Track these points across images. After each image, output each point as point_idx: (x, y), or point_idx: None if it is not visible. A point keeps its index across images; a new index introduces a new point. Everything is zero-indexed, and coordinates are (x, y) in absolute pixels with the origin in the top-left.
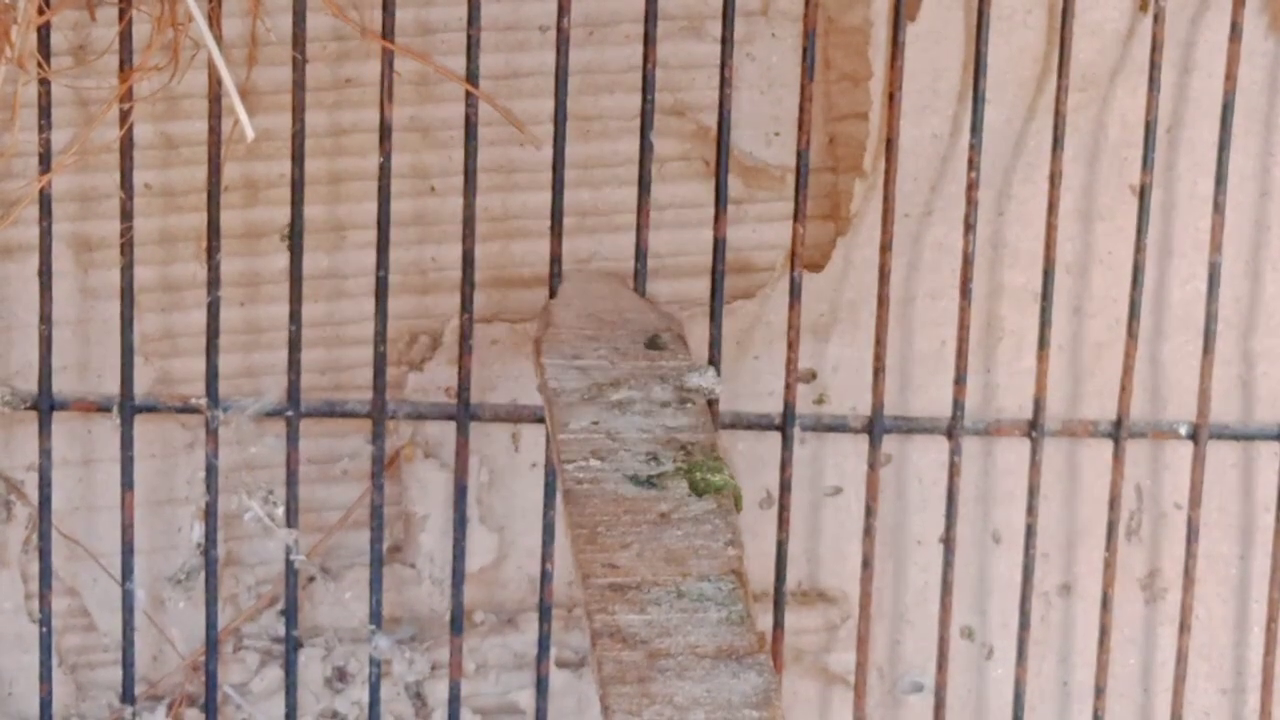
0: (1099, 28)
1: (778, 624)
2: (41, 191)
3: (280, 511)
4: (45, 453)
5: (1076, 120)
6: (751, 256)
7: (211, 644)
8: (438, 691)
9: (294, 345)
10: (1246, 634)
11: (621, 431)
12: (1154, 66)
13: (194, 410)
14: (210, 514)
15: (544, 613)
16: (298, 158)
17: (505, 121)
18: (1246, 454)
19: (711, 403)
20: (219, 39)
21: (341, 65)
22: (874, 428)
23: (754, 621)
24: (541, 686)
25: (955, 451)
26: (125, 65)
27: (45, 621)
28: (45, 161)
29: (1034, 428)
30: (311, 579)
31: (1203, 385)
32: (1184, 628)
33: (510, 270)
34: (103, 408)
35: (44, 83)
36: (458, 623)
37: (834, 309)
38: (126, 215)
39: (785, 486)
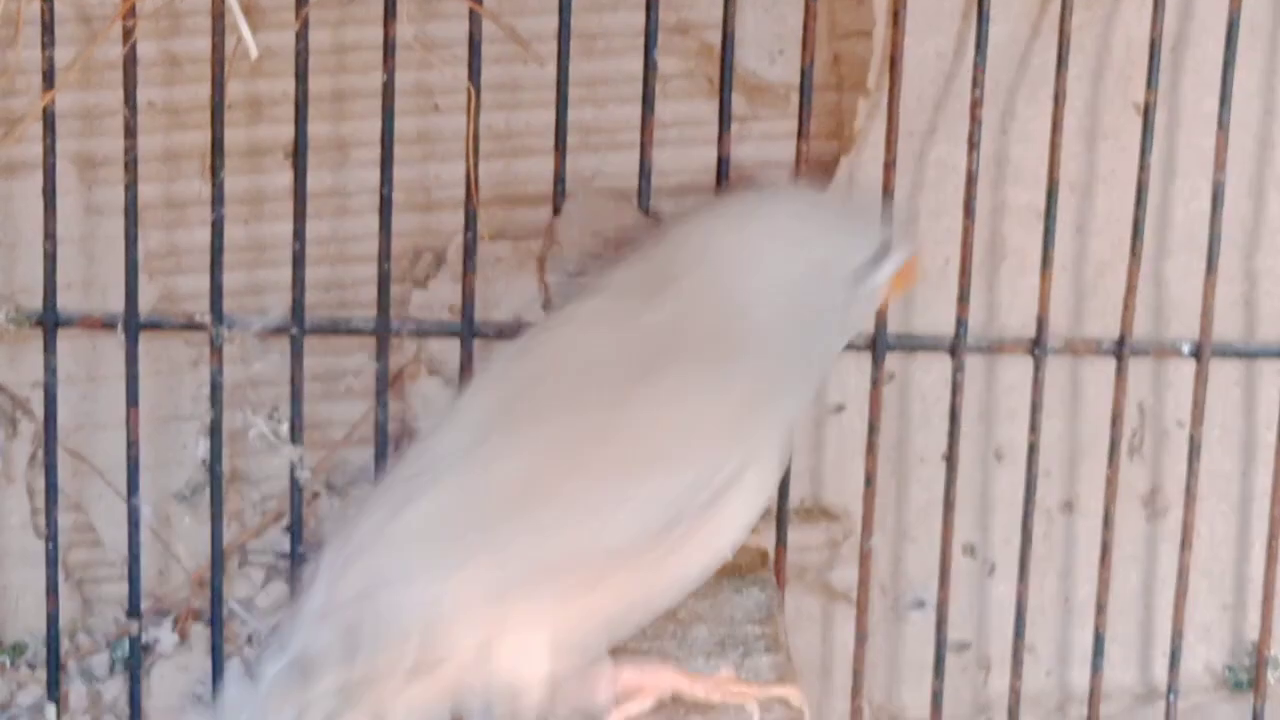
0: None
1: (780, 541)
2: (45, 109)
3: (285, 428)
4: (50, 369)
5: (1081, 38)
6: (755, 174)
7: (217, 559)
8: None
9: (298, 262)
10: (1248, 550)
11: None
12: None
13: (199, 327)
14: (215, 431)
15: None
16: (301, 75)
17: (509, 39)
18: (1249, 372)
19: None
20: None
21: None
22: (877, 345)
23: (757, 538)
24: None
25: (958, 369)
26: None
27: (51, 537)
28: (48, 79)
29: (1037, 345)
30: (316, 495)
31: (1206, 303)
32: (1185, 544)
33: (514, 188)
34: (107, 324)
35: None
36: None
37: None
38: (130, 133)
39: None
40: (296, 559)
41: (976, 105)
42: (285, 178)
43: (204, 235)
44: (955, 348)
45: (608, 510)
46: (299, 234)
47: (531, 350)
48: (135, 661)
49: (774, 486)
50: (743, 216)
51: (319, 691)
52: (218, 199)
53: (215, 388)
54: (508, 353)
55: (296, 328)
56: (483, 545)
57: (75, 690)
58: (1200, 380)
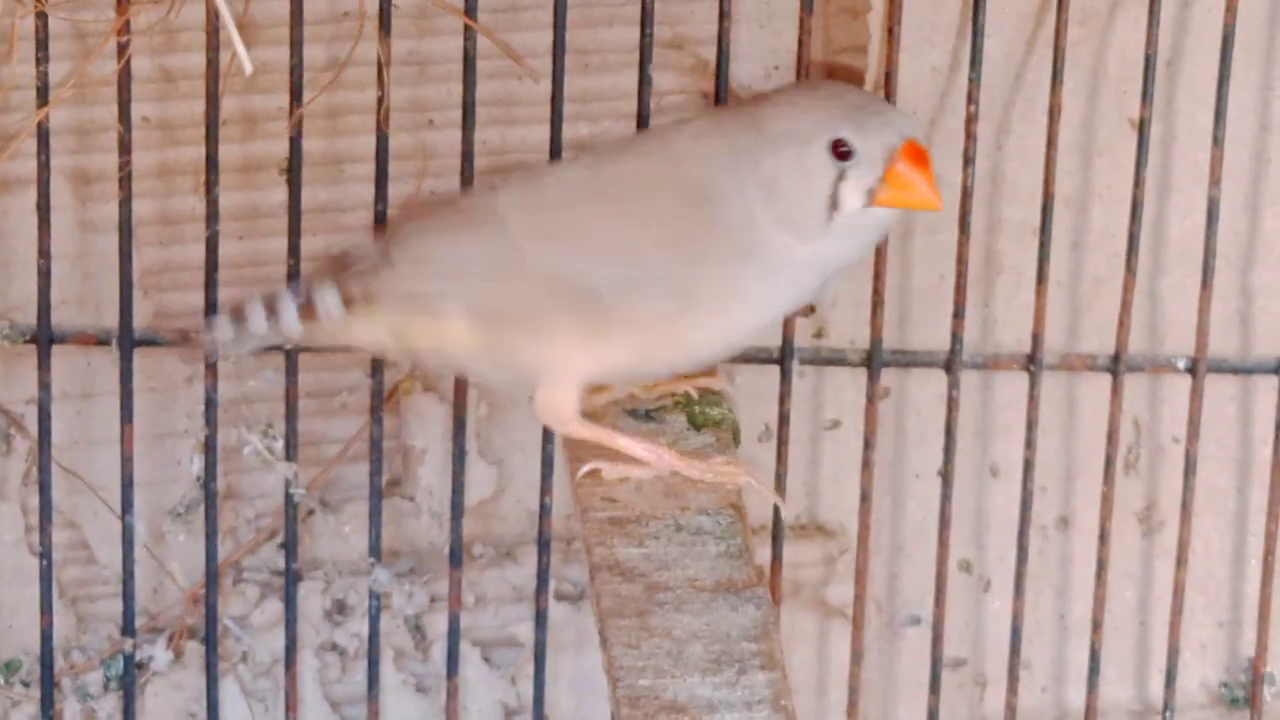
0: None
1: (776, 557)
2: (39, 125)
3: (279, 445)
4: (45, 386)
5: (1076, 54)
6: None
7: (211, 577)
8: (437, 624)
9: (293, 279)
10: (1243, 567)
11: None
12: None
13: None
14: (210, 447)
15: (543, 546)
16: (296, 91)
17: (503, 55)
18: (1244, 388)
19: None
20: None
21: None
22: (872, 361)
23: (752, 555)
24: (540, 619)
25: (953, 385)
26: None
27: (46, 554)
28: (43, 95)
29: (1032, 361)
30: (311, 512)
31: (1201, 319)
32: (1181, 561)
33: None
34: (102, 341)
35: (41, 15)
36: (457, 556)
37: None
38: (125, 149)
39: (784, 420)
40: (291, 576)
41: (971, 121)
42: (280, 193)
43: (198, 251)
44: (951, 364)
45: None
46: (294, 250)
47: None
48: (129, 679)
49: (731, 333)
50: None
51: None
52: (212, 215)
53: (210, 404)
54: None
55: (291, 344)
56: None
57: (69, 708)
58: (1196, 396)
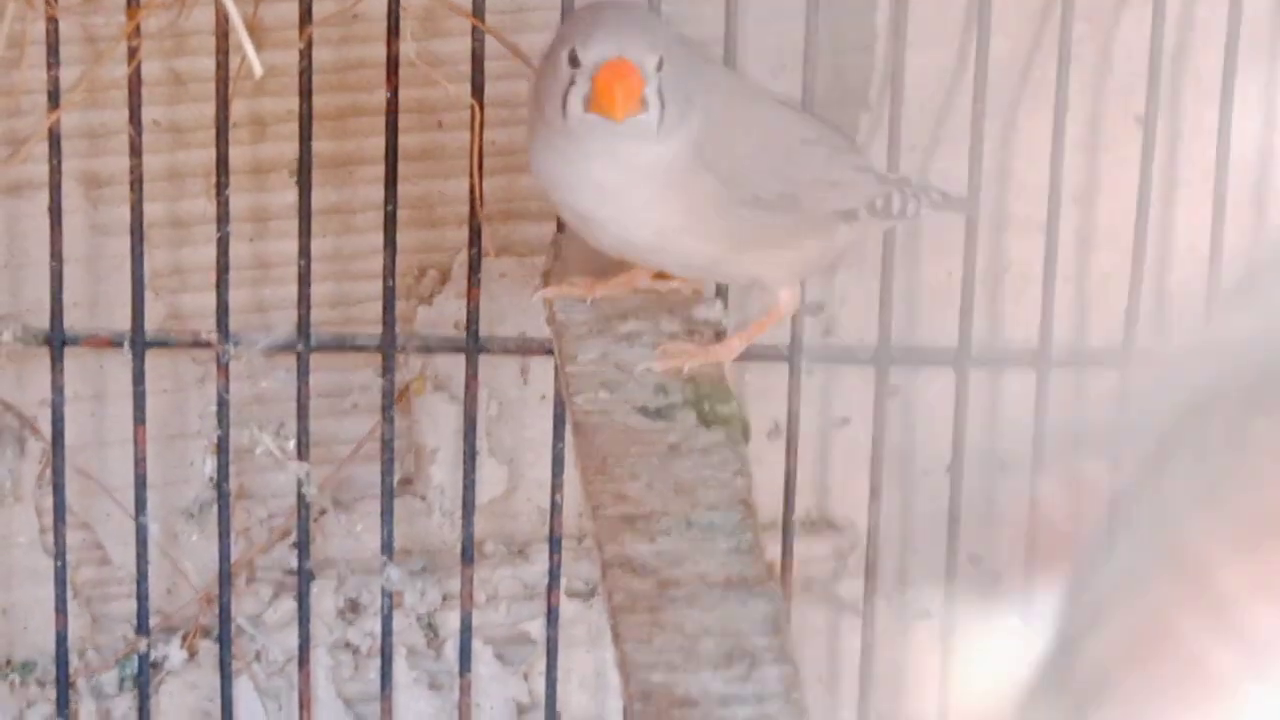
0: None
1: (786, 552)
2: (50, 129)
3: (291, 445)
4: (57, 388)
5: (1082, 50)
6: None
7: (225, 576)
8: (449, 622)
9: (303, 280)
10: None
11: (630, 363)
12: None
13: (205, 345)
14: (222, 448)
15: (554, 543)
16: (305, 93)
17: (511, 55)
18: None
19: (719, 334)
20: None
21: (348, 0)
22: (881, 359)
23: (762, 550)
24: (552, 616)
25: (962, 382)
26: (133, 2)
27: (60, 555)
28: (54, 99)
29: (1040, 358)
30: (323, 512)
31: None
32: None
33: (518, 204)
34: (114, 343)
35: (52, 20)
36: (468, 554)
37: None
38: (135, 152)
39: (793, 416)
40: (304, 575)
41: (978, 118)
42: (290, 195)
43: (209, 253)
44: (959, 361)
45: None
46: (304, 251)
47: None
48: (144, 679)
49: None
50: None
51: None
52: (223, 217)
53: (222, 405)
54: None
55: (302, 345)
56: None
57: (84, 708)
58: None
